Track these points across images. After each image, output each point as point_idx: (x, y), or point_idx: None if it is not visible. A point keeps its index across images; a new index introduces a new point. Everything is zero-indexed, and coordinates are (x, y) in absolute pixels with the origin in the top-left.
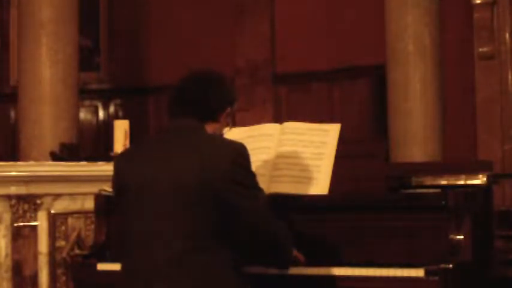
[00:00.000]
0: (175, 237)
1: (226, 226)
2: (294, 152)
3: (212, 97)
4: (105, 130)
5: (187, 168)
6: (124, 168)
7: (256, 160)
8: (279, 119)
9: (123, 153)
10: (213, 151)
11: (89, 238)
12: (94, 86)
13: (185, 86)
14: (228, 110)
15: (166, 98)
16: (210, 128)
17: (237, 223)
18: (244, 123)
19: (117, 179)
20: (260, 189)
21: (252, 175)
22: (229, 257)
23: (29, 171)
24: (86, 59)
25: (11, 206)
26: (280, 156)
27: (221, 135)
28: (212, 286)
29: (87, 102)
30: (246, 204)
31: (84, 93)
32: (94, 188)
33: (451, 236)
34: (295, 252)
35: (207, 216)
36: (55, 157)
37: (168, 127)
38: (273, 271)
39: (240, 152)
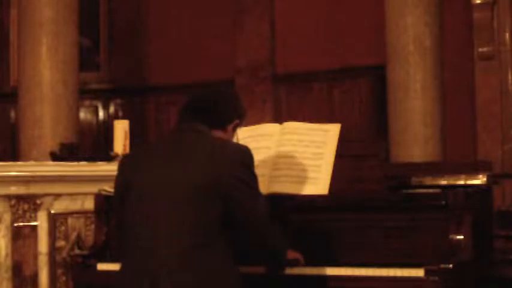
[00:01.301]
0: (184, 235)
1: (230, 223)
2: (294, 152)
3: (223, 107)
4: (105, 130)
5: (196, 167)
6: (131, 169)
7: (256, 160)
8: (279, 119)
9: (128, 155)
10: (221, 151)
11: (89, 238)
12: (94, 86)
13: (198, 96)
14: (236, 121)
15: (164, 99)
16: (217, 135)
17: (237, 221)
18: (244, 123)
19: (123, 179)
20: (261, 193)
21: (256, 178)
22: (231, 254)
23: (29, 171)
24: (86, 59)
25: (11, 206)
26: (280, 156)
27: None
28: (217, 281)
29: (87, 102)
30: (248, 204)
31: (84, 93)
32: (94, 188)
33: (451, 236)
34: (295, 254)
35: (214, 214)
36: (55, 157)
37: (176, 129)
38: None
39: (247, 154)
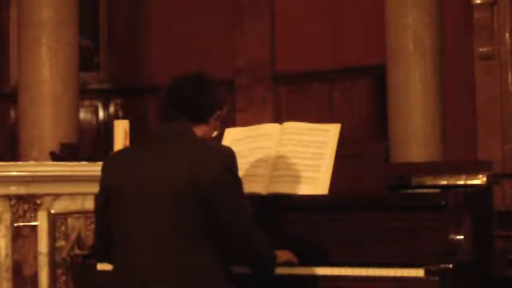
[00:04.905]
0: (170, 239)
1: (215, 229)
2: (294, 152)
3: (203, 99)
4: (105, 130)
5: (177, 172)
6: (113, 174)
7: (256, 160)
8: (279, 119)
9: (111, 157)
10: (203, 154)
11: (89, 238)
12: (94, 86)
13: (176, 87)
14: (218, 113)
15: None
16: (199, 130)
17: (219, 225)
18: (244, 123)
19: (105, 184)
20: (245, 197)
21: (239, 181)
22: (222, 257)
23: (29, 171)
24: (86, 59)
25: (11, 206)
26: (280, 156)
27: (210, 138)
28: (209, 286)
29: (87, 102)
30: (230, 207)
31: (84, 93)
32: (94, 188)
33: (451, 236)
34: (287, 255)
35: (198, 220)
36: (55, 157)
37: (157, 130)
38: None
39: (229, 157)
